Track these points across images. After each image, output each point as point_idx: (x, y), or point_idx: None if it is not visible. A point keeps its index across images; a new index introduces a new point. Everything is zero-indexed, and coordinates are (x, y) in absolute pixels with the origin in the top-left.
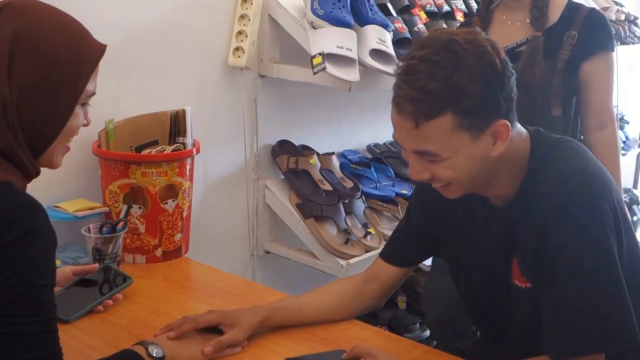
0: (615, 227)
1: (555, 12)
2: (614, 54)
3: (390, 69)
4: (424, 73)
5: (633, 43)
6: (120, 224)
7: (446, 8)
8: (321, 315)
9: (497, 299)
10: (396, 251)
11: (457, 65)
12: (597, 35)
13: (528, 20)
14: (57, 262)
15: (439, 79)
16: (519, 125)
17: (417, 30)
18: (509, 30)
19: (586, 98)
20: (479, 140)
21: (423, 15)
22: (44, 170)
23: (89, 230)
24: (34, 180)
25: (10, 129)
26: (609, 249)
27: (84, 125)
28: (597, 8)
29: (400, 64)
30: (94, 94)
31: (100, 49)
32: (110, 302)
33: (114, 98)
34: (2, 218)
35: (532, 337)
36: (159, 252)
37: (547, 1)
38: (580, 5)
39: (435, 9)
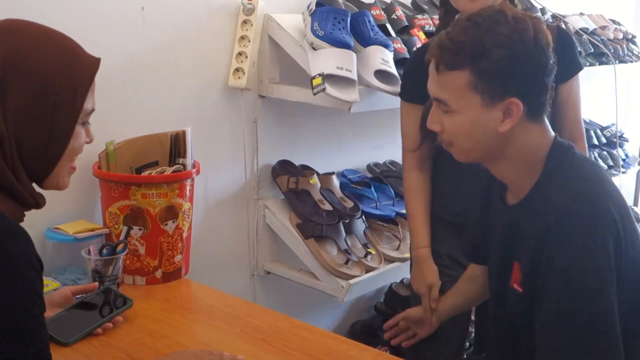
0: (616, 254)
1: None
2: None
3: (394, 88)
4: (460, 27)
5: (631, 61)
6: (120, 246)
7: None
8: None
9: (496, 300)
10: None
11: (490, 29)
12: (572, 57)
13: None
14: (57, 284)
15: (469, 35)
16: (546, 125)
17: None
18: None
19: (560, 114)
20: (489, 110)
21: (422, 36)
22: (43, 192)
23: (89, 252)
24: None
25: (9, 166)
26: (601, 275)
27: (87, 143)
28: (563, 26)
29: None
30: (93, 110)
31: (94, 63)
32: (110, 324)
33: (114, 119)
34: None
35: (525, 346)
36: (159, 274)
37: None
38: (547, 24)
39: (434, 29)
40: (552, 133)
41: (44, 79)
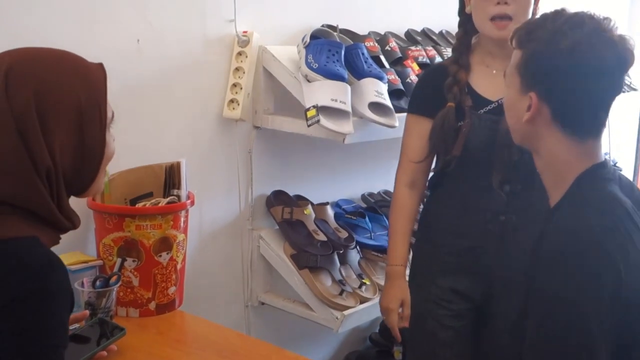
0: (612, 302)
1: None
2: None
3: (388, 120)
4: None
5: (625, 92)
6: (114, 278)
7: (438, 59)
8: None
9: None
10: None
11: (548, 23)
12: None
13: None
14: None
15: (533, 22)
16: (587, 146)
17: (410, 81)
18: (497, 82)
19: None
20: (521, 97)
21: (415, 67)
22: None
23: (82, 285)
24: None
25: (53, 197)
26: (584, 313)
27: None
28: None
29: None
30: (113, 114)
31: (102, 70)
32: (104, 353)
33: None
34: (18, 274)
35: None
36: (152, 306)
37: None
38: None
39: (428, 60)
40: (596, 158)
41: (74, 102)
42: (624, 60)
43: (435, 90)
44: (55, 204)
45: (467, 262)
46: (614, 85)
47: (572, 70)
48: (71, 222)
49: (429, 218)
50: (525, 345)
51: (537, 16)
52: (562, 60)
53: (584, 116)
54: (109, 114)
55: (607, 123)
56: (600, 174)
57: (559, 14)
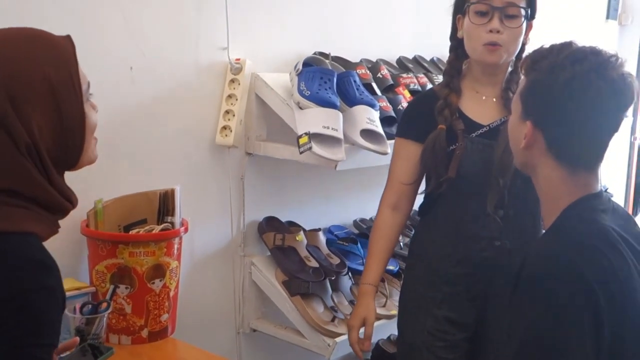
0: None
1: None
2: None
3: (380, 147)
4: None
5: None
6: (104, 305)
7: (429, 86)
8: None
9: None
10: None
11: (551, 54)
12: None
13: (500, 97)
14: None
15: (539, 51)
16: (580, 178)
17: (402, 108)
18: (487, 107)
19: None
20: (521, 123)
21: (407, 94)
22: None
23: (74, 311)
24: None
25: (43, 175)
26: (552, 338)
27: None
28: None
29: None
30: (89, 83)
31: (69, 40)
32: None
33: (103, 177)
34: (12, 272)
35: None
36: (145, 333)
37: (516, 79)
38: None
39: (419, 88)
40: (590, 189)
41: (44, 79)
42: (622, 99)
43: (425, 115)
44: (45, 179)
45: (462, 290)
46: (610, 122)
47: (566, 103)
48: (66, 197)
49: (421, 245)
50: None
51: (546, 45)
52: (558, 92)
53: (578, 149)
54: (84, 85)
55: (603, 156)
56: (592, 204)
57: (565, 47)
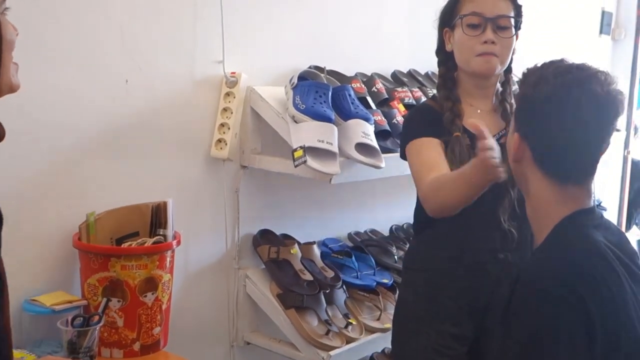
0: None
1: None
2: None
3: (375, 161)
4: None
5: None
6: (95, 318)
7: (424, 100)
8: None
9: None
10: None
11: (541, 70)
12: None
13: (493, 110)
14: (32, 357)
15: (535, 67)
16: (569, 193)
17: (396, 122)
18: (484, 121)
19: None
20: (512, 136)
21: (402, 108)
22: (21, 263)
23: (66, 323)
24: (12, 274)
25: None
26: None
27: (17, 35)
28: None
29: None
30: None
31: None
32: None
33: (96, 189)
34: None
35: None
36: (137, 346)
37: (509, 90)
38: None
39: (414, 101)
40: (581, 204)
41: None
42: (605, 114)
43: (431, 123)
44: None
45: (464, 304)
46: (595, 136)
47: (548, 117)
48: None
49: (421, 259)
50: None
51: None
52: (540, 106)
53: (564, 162)
54: None
55: (593, 171)
56: (583, 220)
57: (554, 62)
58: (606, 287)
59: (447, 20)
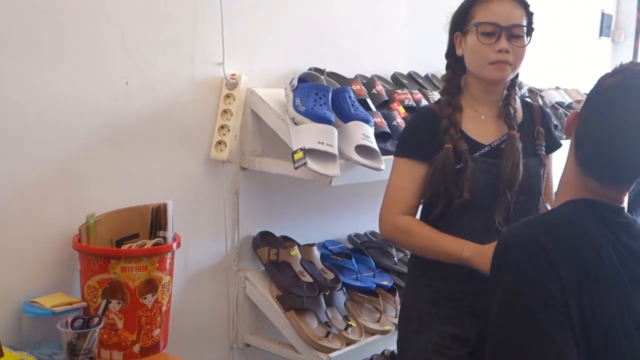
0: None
1: (519, 109)
2: None
3: (374, 163)
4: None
5: None
6: (95, 320)
7: (424, 102)
8: None
9: None
10: None
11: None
12: (552, 130)
13: (498, 116)
14: (32, 359)
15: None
16: (592, 183)
17: (396, 124)
18: (487, 127)
19: (545, 185)
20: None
21: (402, 110)
22: (21, 265)
23: (65, 325)
24: (12, 275)
25: None
26: (530, 298)
27: None
28: (541, 104)
29: None
30: None
31: None
32: None
33: (96, 191)
34: None
35: None
36: (136, 348)
37: (514, 95)
38: (528, 102)
39: (414, 103)
40: (598, 196)
41: None
42: None
43: (428, 133)
44: None
45: (465, 305)
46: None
47: (592, 109)
48: None
49: (422, 263)
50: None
51: None
52: (591, 96)
53: (591, 154)
54: None
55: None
56: (596, 206)
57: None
58: (582, 259)
59: (459, 24)
